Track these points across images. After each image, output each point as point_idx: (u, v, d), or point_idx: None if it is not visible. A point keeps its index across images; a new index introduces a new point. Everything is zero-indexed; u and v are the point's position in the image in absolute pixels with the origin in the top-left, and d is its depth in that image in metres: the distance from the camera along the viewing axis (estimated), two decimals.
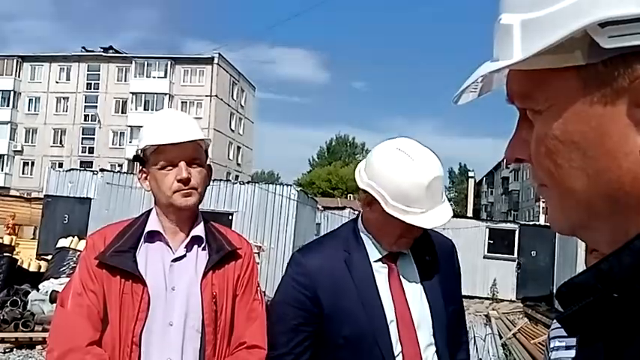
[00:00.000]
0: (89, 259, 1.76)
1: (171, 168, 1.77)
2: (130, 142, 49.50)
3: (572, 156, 0.50)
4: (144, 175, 1.83)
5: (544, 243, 18.08)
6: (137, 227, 1.83)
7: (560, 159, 0.51)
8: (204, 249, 1.84)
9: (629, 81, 0.46)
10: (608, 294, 0.47)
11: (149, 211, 1.88)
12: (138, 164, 1.86)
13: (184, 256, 1.81)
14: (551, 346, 1.64)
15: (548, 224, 0.65)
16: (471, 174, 48.29)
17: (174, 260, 1.80)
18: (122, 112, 51.33)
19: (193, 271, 1.80)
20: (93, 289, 1.73)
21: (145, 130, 1.83)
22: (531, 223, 23.79)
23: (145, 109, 49.16)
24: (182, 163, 1.76)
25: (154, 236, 1.82)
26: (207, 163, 1.88)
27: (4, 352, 7.95)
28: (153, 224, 1.82)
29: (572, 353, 1.52)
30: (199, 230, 1.84)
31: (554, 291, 1.84)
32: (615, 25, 0.44)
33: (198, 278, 1.78)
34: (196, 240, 1.84)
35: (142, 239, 1.80)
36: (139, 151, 1.83)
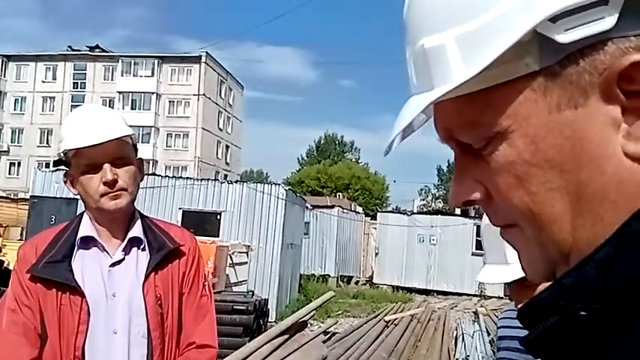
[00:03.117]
0: (21, 273, 1.66)
1: (95, 170, 1.65)
2: None
3: (547, 177, 0.44)
4: (70, 178, 1.71)
5: None
6: (70, 234, 1.71)
7: (535, 185, 0.45)
8: (144, 249, 1.74)
9: (598, 74, 0.42)
10: (574, 312, 0.43)
11: (81, 215, 1.76)
12: (63, 168, 1.73)
13: (123, 259, 1.72)
14: (502, 345, 1.62)
15: None
16: None
17: (113, 265, 1.70)
18: None
19: (134, 274, 1.71)
20: (28, 304, 1.63)
21: (63, 131, 1.69)
22: None
23: (132, 109, 48.87)
24: (106, 165, 1.64)
25: (88, 242, 1.71)
26: (138, 157, 1.76)
27: None
28: (86, 229, 1.71)
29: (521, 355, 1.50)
30: (137, 231, 1.74)
31: None
32: (568, 17, 0.41)
33: (140, 281, 1.69)
34: (134, 241, 1.73)
35: (76, 246, 1.69)
36: (61, 155, 1.70)
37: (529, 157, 0.45)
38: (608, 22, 0.40)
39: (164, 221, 1.91)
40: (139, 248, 1.74)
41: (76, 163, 1.66)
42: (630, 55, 0.41)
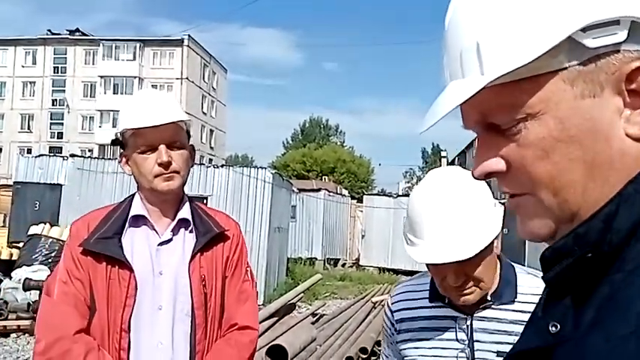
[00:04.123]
0: (73, 247, 1.73)
1: (151, 151, 1.72)
2: (100, 126, 48.69)
3: (570, 149, 0.56)
4: (125, 159, 1.78)
5: (516, 221, 18.39)
6: (121, 212, 1.79)
7: (558, 156, 0.56)
8: (191, 231, 1.81)
9: (611, 73, 0.54)
10: (584, 254, 0.56)
11: (133, 195, 1.84)
12: (119, 148, 1.81)
13: (171, 239, 1.79)
14: (397, 318, 1.56)
15: None
16: (443, 154, 48.63)
17: (161, 244, 1.78)
18: (91, 96, 50.39)
19: (181, 254, 1.78)
20: (79, 277, 1.70)
21: (123, 112, 1.77)
22: (503, 201, 24.11)
23: (114, 93, 48.35)
24: (162, 147, 1.71)
25: (139, 220, 1.78)
26: (190, 143, 1.84)
27: None
28: (137, 208, 1.79)
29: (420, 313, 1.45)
30: (185, 213, 1.81)
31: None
32: (594, 29, 0.53)
33: (186, 261, 1.76)
34: (183, 223, 1.81)
35: (127, 224, 1.77)
36: (118, 135, 1.77)
37: (557, 134, 0.56)
38: (621, 36, 0.53)
39: (211, 207, 1.99)
40: (186, 230, 1.81)
41: (133, 143, 1.73)
42: (632, 63, 0.54)
